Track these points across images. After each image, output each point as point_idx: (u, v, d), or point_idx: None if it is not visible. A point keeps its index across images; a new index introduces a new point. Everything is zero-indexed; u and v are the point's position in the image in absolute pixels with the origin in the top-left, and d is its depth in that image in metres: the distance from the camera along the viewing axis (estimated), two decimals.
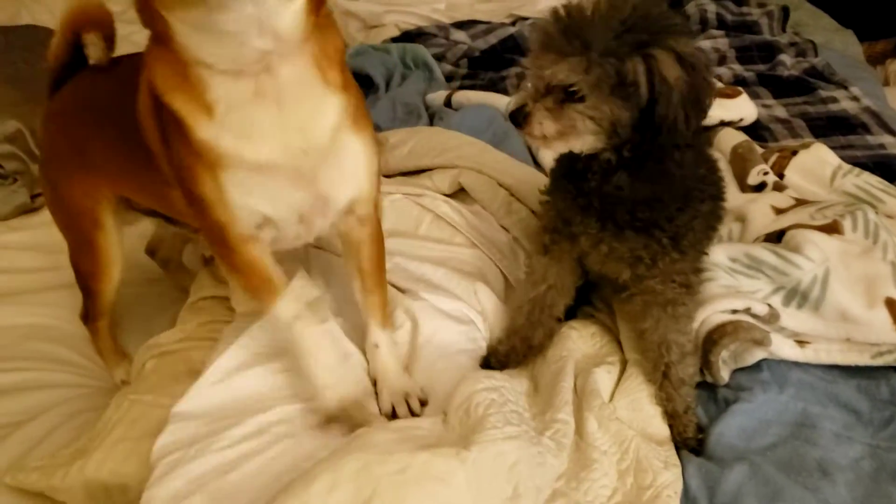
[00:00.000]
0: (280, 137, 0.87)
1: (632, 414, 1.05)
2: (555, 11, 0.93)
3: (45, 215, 1.61)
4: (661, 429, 1.05)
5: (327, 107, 0.90)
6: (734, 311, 1.10)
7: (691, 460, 0.99)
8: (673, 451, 0.99)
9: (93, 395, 1.34)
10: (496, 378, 1.02)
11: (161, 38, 0.82)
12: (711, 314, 1.09)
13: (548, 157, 1.62)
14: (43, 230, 1.65)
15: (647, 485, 0.91)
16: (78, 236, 1.27)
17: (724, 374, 1.10)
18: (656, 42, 0.89)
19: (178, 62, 0.83)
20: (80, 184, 1.20)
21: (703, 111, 0.93)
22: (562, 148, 1.00)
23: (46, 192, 1.33)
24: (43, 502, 1.05)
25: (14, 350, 1.41)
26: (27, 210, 1.78)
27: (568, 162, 1.05)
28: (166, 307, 1.47)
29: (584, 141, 0.96)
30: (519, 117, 0.97)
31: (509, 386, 1.02)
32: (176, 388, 1.09)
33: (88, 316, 1.36)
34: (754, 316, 1.10)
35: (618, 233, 1.02)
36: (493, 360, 1.17)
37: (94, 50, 1.16)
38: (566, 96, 0.92)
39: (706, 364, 1.09)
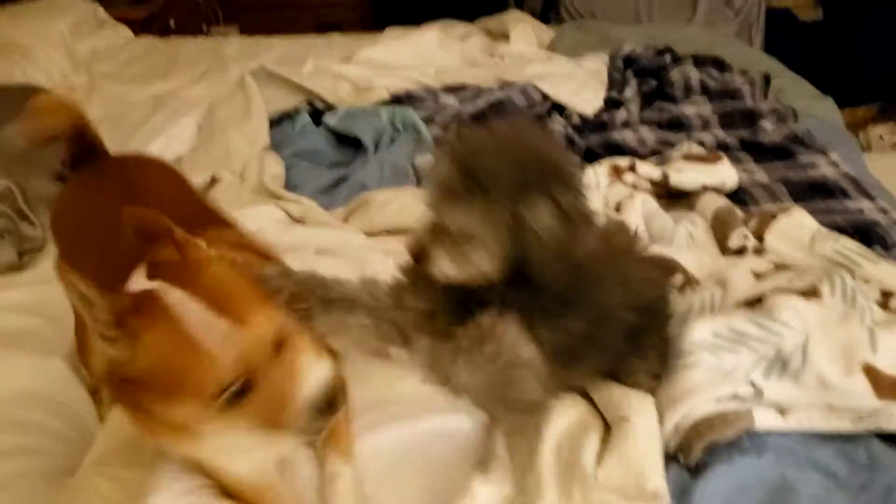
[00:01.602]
0: None
1: (621, 471, 1.04)
2: (452, 149, 0.96)
3: (34, 274, 1.61)
4: (654, 478, 1.03)
5: None
6: (718, 399, 1.10)
7: None
8: None
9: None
10: None
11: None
12: (697, 404, 1.10)
13: None
14: (31, 289, 1.65)
15: None
16: None
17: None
18: (538, 190, 0.90)
19: None
20: None
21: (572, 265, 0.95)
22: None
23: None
24: None
25: None
26: (14, 268, 1.78)
27: None
28: None
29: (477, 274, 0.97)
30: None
31: None
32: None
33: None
34: (739, 398, 1.11)
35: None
36: None
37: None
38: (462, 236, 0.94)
39: (685, 449, 1.10)
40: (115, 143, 2.13)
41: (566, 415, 1.16)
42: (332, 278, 1.09)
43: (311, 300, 1.03)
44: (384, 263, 1.47)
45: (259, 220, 1.68)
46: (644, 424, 1.10)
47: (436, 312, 1.06)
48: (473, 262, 0.95)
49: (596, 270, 1.05)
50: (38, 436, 1.32)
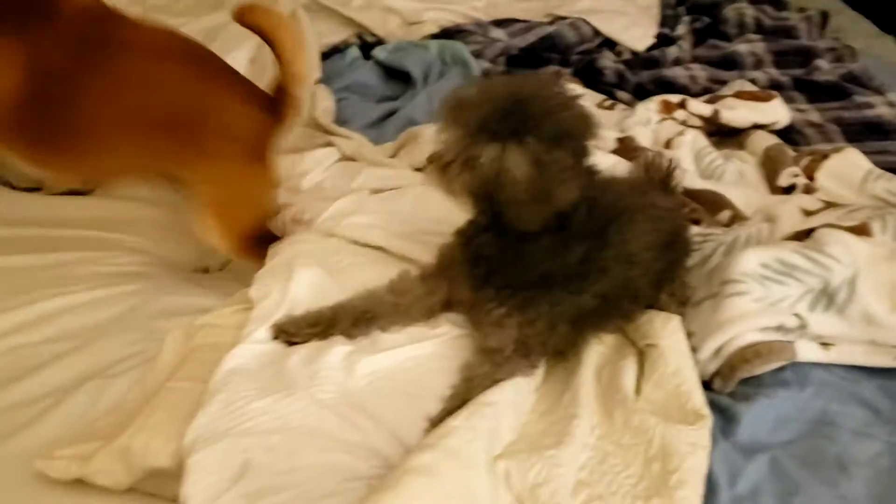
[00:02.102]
0: None
1: (660, 392, 1.07)
2: (456, 92, 1.05)
3: None
4: (693, 399, 1.05)
5: None
6: (763, 328, 1.12)
7: (718, 444, 1.01)
8: (704, 430, 0.99)
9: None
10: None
11: None
12: (744, 331, 1.11)
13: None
14: None
15: (674, 468, 0.93)
16: None
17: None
18: (517, 135, 0.97)
19: None
20: None
21: (551, 206, 1.01)
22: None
23: None
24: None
25: None
26: None
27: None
28: None
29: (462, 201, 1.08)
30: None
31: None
32: (208, 375, 1.10)
33: None
34: (784, 329, 1.12)
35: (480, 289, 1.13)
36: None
37: None
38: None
39: (726, 376, 1.12)
40: None
41: (603, 342, 1.19)
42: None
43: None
44: (435, 197, 1.50)
45: (313, 169, 1.71)
46: (671, 346, 1.11)
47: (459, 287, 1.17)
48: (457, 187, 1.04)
49: (609, 220, 1.10)
50: None
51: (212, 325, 1.30)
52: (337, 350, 1.12)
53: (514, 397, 1.04)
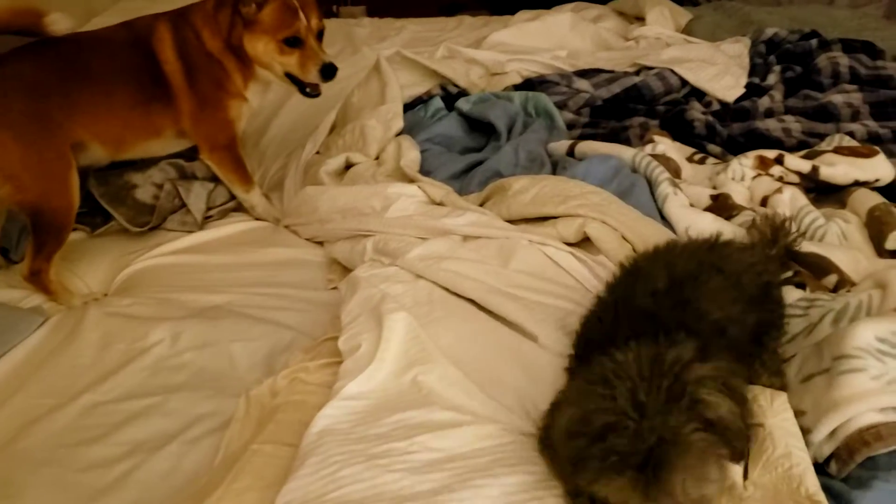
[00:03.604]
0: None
1: (769, 477, 1.00)
2: None
3: None
4: (805, 482, 0.97)
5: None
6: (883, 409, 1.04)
7: None
8: None
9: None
10: None
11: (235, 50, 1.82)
12: (863, 412, 1.04)
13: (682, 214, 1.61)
14: None
15: None
16: (54, 178, 1.65)
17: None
18: None
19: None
20: (57, 133, 1.65)
21: None
22: None
23: (12, 151, 1.61)
24: None
25: None
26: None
27: None
28: None
29: None
30: None
31: None
32: (295, 438, 1.10)
33: (47, 255, 1.63)
34: None
35: None
36: None
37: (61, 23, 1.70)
38: None
39: (844, 460, 1.05)
40: (252, 127, 2.25)
41: None
42: None
43: None
44: (528, 250, 1.47)
45: (402, 199, 1.71)
46: (778, 426, 1.05)
47: None
48: None
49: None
50: None
51: (297, 380, 1.29)
52: (438, 415, 1.09)
53: None
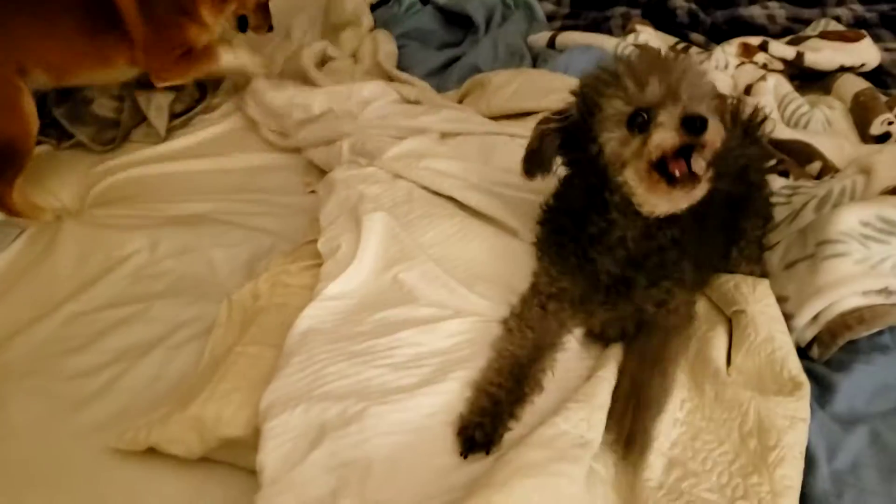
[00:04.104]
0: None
1: (752, 362, 1.01)
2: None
3: None
4: (788, 365, 0.98)
5: None
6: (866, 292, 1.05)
7: (815, 415, 0.95)
8: (802, 401, 0.94)
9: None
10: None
11: None
12: (846, 296, 1.04)
13: None
14: None
15: (772, 444, 0.88)
16: (3, 106, 1.57)
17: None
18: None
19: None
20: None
21: None
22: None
23: None
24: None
25: None
26: None
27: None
28: None
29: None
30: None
31: None
32: (278, 339, 1.09)
33: (8, 180, 1.56)
34: (888, 291, 1.05)
35: (627, 294, 1.01)
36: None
37: None
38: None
39: (826, 343, 1.06)
40: None
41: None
42: None
43: None
44: (509, 146, 1.44)
45: (375, 99, 1.66)
46: (761, 311, 1.05)
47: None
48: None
49: None
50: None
51: (278, 283, 1.28)
52: (419, 312, 1.09)
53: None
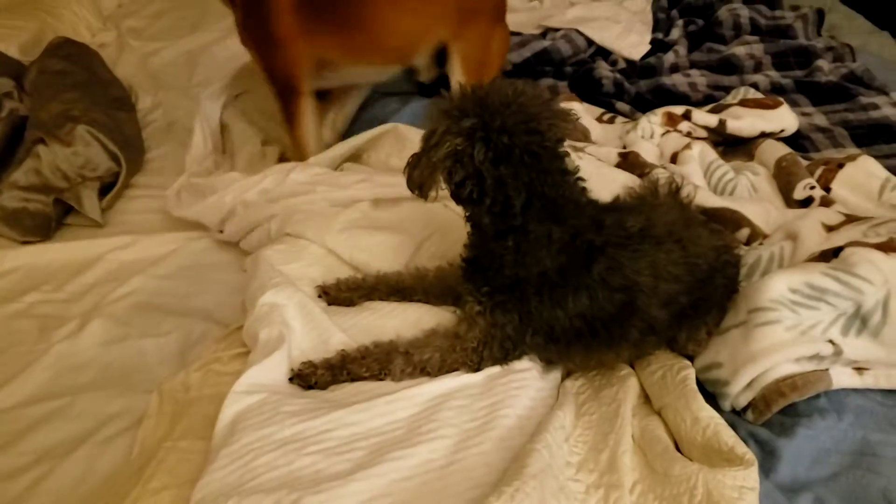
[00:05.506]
0: None
1: (694, 443, 1.01)
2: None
3: None
4: (727, 440, 0.98)
5: None
6: (798, 359, 1.07)
7: (761, 485, 0.94)
8: (751, 469, 0.93)
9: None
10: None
11: None
12: (779, 363, 1.06)
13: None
14: None
15: None
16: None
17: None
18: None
19: None
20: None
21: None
22: None
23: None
24: None
25: None
26: None
27: None
28: None
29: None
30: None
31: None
32: (209, 432, 1.05)
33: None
34: (819, 357, 1.07)
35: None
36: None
37: None
38: None
39: (760, 409, 1.07)
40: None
41: (632, 387, 1.13)
42: None
43: None
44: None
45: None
46: (679, 395, 1.07)
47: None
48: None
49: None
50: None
51: (210, 372, 1.24)
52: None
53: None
